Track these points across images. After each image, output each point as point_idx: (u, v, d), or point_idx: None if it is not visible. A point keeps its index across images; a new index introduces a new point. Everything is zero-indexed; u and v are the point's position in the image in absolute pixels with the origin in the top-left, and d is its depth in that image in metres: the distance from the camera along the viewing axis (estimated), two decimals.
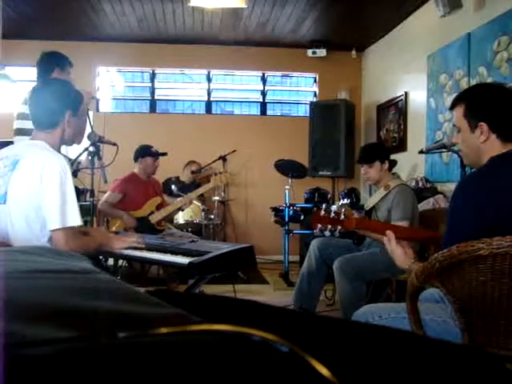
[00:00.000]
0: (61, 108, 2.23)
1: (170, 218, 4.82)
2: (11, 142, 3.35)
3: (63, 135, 2.26)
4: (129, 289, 0.43)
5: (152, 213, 4.43)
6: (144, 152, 4.54)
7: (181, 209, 4.68)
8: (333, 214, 1.90)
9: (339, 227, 1.91)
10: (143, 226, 4.27)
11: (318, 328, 0.36)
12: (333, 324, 0.37)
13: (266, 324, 0.35)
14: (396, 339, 0.34)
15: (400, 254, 1.84)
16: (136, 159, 4.56)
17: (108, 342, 0.30)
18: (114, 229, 4.27)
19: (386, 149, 3.83)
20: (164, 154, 4.71)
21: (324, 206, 1.94)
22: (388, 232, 1.89)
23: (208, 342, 0.28)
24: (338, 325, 0.38)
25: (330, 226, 1.90)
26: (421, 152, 3.54)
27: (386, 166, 3.44)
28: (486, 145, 1.75)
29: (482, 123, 1.75)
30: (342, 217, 1.90)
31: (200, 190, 4.78)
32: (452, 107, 1.87)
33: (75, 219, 2.13)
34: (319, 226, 1.91)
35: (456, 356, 0.33)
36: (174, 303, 0.40)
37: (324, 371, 0.27)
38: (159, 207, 4.49)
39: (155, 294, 0.45)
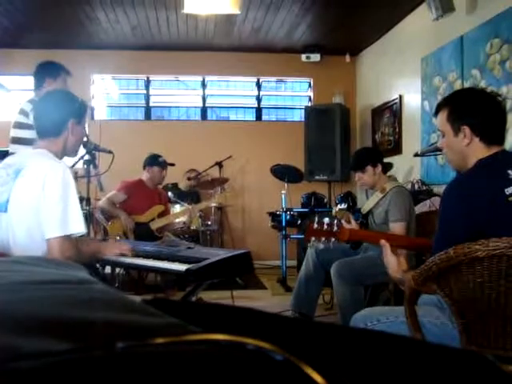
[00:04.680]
0: (64, 117, 2.25)
1: (172, 228, 4.84)
2: (7, 151, 3.36)
3: (66, 144, 2.27)
4: (124, 299, 0.43)
5: (153, 219, 4.43)
6: (152, 161, 4.57)
7: (187, 225, 4.71)
8: (326, 227, 1.90)
9: (333, 239, 1.91)
10: (143, 232, 4.27)
11: (315, 334, 0.36)
12: (329, 330, 0.37)
13: (262, 331, 0.35)
14: (392, 344, 0.34)
15: (393, 263, 1.82)
16: (144, 167, 4.59)
17: (105, 354, 0.30)
18: (111, 232, 4.28)
19: (376, 152, 3.80)
20: (171, 165, 4.74)
21: (316, 218, 1.93)
22: (382, 241, 1.88)
23: (204, 352, 0.29)
24: (334, 331, 0.38)
25: (323, 239, 1.90)
26: (416, 155, 3.55)
27: (379, 169, 3.43)
28: (470, 148, 1.77)
29: (464, 126, 1.77)
30: (335, 228, 1.90)
31: (202, 205, 4.83)
32: (436, 113, 1.89)
33: (78, 226, 2.11)
34: (313, 238, 1.91)
35: (450, 359, 0.34)
36: (171, 312, 0.40)
37: (319, 379, 0.27)
38: (161, 215, 4.50)
39: (152, 303, 0.45)
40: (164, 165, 4.61)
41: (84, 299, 0.40)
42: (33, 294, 0.41)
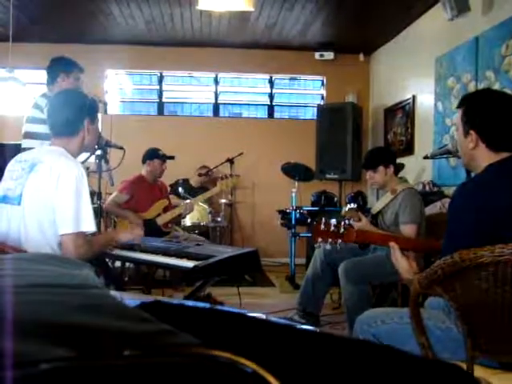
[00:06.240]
0: (79, 118, 2.28)
1: (177, 221, 4.85)
2: (20, 145, 3.39)
3: (83, 143, 2.31)
4: (119, 305, 0.44)
5: (159, 215, 4.45)
6: (152, 155, 4.57)
7: (182, 216, 4.70)
8: (333, 228, 1.91)
9: (339, 240, 1.91)
10: (150, 228, 4.29)
11: (302, 343, 0.37)
12: (317, 339, 0.37)
13: (249, 339, 0.36)
14: (374, 355, 0.34)
15: (405, 265, 1.83)
16: (144, 161, 4.59)
17: (101, 362, 0.31)
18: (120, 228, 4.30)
19: (390, 153, 3.79)
20: (171, 158, 4.73)
21: (323, 219, 1.94)
22: (392, 244, 1.88)
23: (180, 363, 0.30)
24: (321, 340, 0.39)
25: (330, 240, 1.91)
26: (425, 157, 3.53)
27: (391, 170, 3.42)
28: (477, 151, 1.76)
29: (472, 131, 1.75)
30: (342, 230, 1.90)
31: (206, 194, 4.82)
32: (458, 106, 1.87)
33: (89, 225, 2.16)
34: (319, 239, 1.92)
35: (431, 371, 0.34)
36: (166, 317, 0.41)
37: None
38: (166, 210, 4.52)
39: (150, 307, 0.46)
40: (164, 158, 4.61)
41: (81, 304, 0.41)
42: (33, 298, 0.43)
